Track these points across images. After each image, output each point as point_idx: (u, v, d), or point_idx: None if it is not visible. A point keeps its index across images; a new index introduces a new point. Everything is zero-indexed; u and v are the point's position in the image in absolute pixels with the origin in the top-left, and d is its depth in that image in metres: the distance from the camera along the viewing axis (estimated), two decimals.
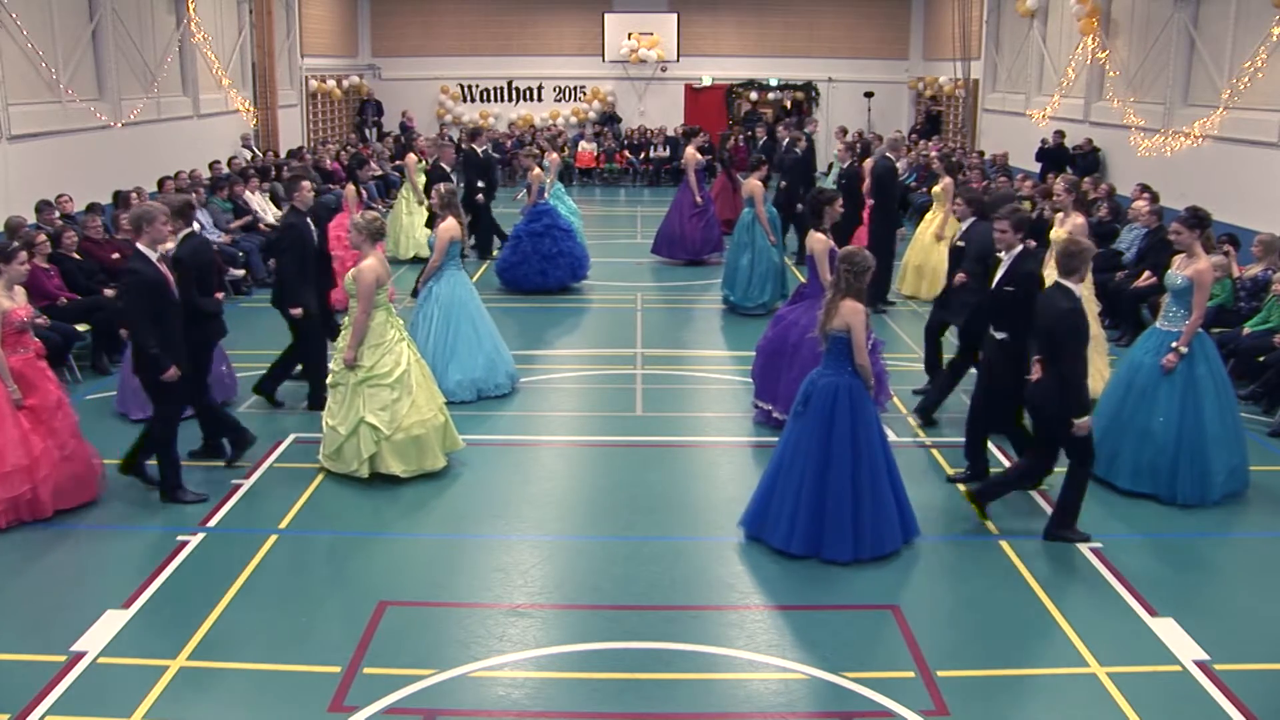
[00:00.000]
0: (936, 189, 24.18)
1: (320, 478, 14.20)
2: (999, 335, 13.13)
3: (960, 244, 15.73)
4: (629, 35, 43.76)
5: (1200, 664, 10.18)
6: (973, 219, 15.76)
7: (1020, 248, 13.04)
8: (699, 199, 27.23)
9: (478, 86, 45.28)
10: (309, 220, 16.53)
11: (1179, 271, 13.73)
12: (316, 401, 16.25)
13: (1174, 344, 13.54)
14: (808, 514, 12.07)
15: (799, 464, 12.17)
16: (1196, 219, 14.19)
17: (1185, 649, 10.43)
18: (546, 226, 24.16)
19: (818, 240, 15.85)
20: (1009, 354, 12.95)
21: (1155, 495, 13.64)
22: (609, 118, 44.95)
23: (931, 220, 23.57)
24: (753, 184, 22.71)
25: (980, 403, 13.78)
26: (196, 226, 19.77)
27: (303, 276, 16.14)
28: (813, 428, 12.08)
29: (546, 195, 25.00)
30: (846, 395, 12.01)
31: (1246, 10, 22.04)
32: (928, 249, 22.91)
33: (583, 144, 42.50)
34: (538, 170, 24.33)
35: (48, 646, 10.35)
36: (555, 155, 28.39)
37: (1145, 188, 22.96)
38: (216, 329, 14.46)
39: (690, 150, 27.64)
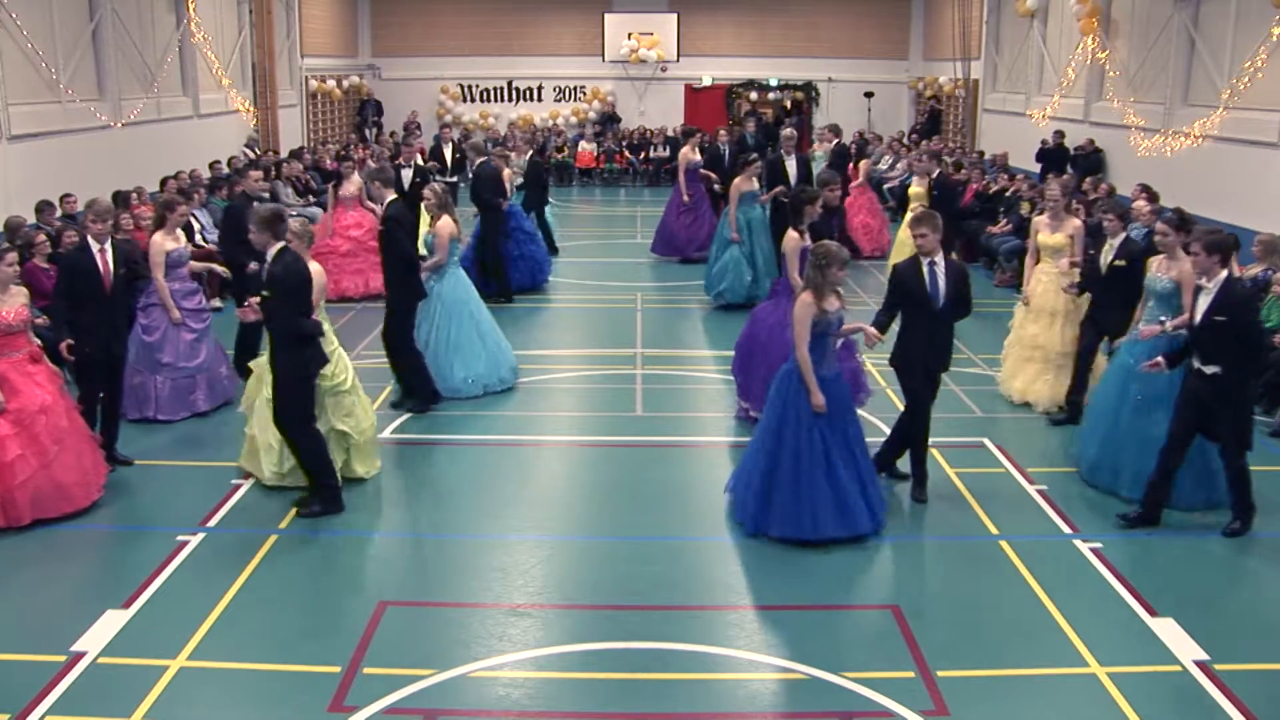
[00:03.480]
0: (918, 189, 24.20)
1: None
2: (1209, 369, 12.56)
3: (1121, 263, 14.95)
4: (629, 35, 43.87)
5: (1200, 664, 10.20)
6: (1125, 235, 15.27)
7: (1225, 273, 12.42)
8: (686, 197, 27.40)
9: (478, 86, 45.37)
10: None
11: (1162, 274, 13.76)
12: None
13: (1164, 322, 13.56)
14: (758, 492, 12.68)
15: (753, 446, 12.97)
16: (1181, 220, 14.23)
17: (1185, 649, 10.45)
18: (511, 229, 24.20)
19: (790, 239, 15.96)
20: (1222, 387, 12.49)
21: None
22: (609, 118, 44.98)
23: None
24: (735, 182, 23.00)
25: (1180, 438, 13.03)
26: (197, 227, 19.89)
27: None
28: (768, 411, 12.80)
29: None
30: (789, 380, 12.61)
31: (1246, 10, 22.07)
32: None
33: (583, 144, 42.56)
34: (507, 171, 24.25)
35: (48, 646, 10.36)
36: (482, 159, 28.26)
37: (1145, 188, 22.97)
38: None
39: (685, 150, 27.82)
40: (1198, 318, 12.52)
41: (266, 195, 21.10)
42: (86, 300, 13.77)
